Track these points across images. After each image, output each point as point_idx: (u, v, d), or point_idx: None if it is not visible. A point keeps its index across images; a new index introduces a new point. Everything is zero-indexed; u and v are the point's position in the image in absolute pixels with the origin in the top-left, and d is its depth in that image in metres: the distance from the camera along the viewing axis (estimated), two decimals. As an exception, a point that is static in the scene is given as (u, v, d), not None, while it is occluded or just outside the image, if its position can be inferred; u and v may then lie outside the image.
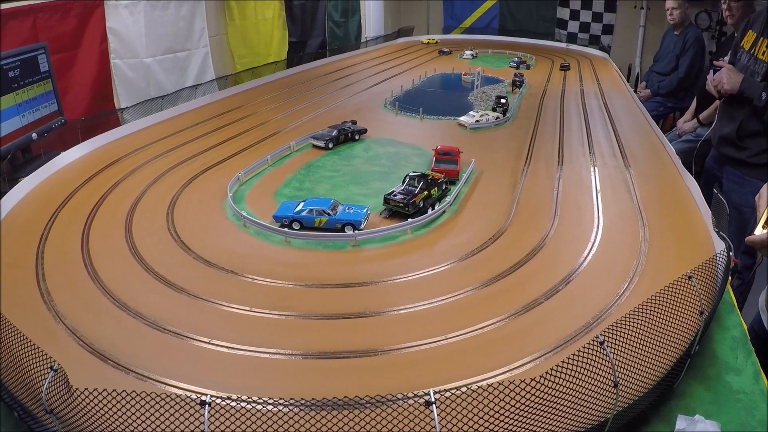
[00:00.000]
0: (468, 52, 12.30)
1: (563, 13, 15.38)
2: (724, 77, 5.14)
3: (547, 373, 1.98)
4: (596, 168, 5.51)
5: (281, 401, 2.15)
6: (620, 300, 3.23)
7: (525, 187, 5.02)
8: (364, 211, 4.24)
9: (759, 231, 3.10)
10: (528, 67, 11.18)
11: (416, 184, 4.47)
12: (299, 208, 4.21)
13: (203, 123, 7.00)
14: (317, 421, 2.07)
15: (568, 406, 2.09)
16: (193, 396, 2.03)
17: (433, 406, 1.88)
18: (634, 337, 2.32)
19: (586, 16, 15.11)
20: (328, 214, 4.13)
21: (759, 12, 5.13)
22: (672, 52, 9.70)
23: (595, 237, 4.03)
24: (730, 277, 3.17)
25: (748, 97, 4.82)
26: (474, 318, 3.07)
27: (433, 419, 1.89)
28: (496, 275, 3.53)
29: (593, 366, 2.11)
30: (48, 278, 3.48)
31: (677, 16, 9.50)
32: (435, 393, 1.94)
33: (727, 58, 6.38)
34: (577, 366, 2.06)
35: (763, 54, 4.79)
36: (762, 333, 3.44)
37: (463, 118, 7.08)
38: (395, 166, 5.57)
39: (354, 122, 6.62)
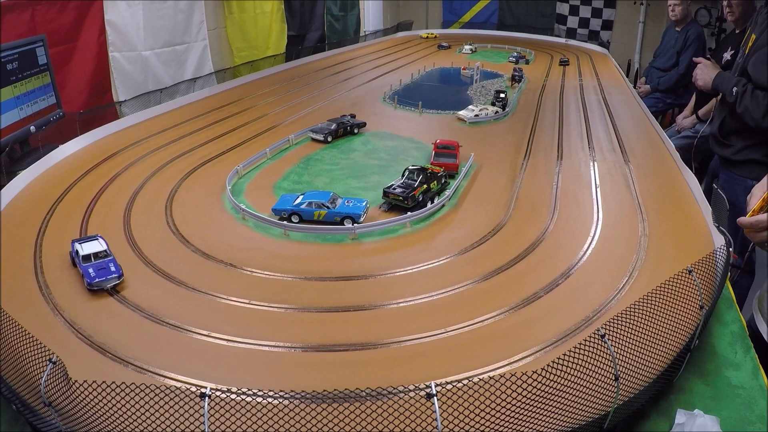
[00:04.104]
0: (467, 47, 12.26)
1: (563, 8, 15.34)
2: (698, 73, 5.15)
3: (548, 365, 1.98)
4: (595, 163, 5.50)
5: (281, 393, 2.14)
6: (620, 294, 3.23)
7: (524, 182, 5.01)
8: (364, 204, 4.23)
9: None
10: (527, 62, 11.15)
11: (415, 178, 4.45)
12: (298, 201, 4.20)
13: (201, 116, 6.96)
14: (317, 414, 2.07)
15: (569, 399, 2.09)
16: (193, 389, 2.02)
17: (434, 398, 1.87)
18: (635, 330, 2.32)
19: (585, 11, 15.07)
20: (327, 207, 4.12)
21: (758, 11, 5.12)
22: (673, 48, 9.66)
23: (595, 231, 4.03)
24: (729, 273, 3.17)
25: (722, 93, 4.81)
26: (474, 311, 3.07)
27: (434, 412, 1.89)
28: (495, 269, 3.53)
29: (594, 359, 2.11)
30: (46, 271, 3.46)
31: (679, 12, 9.45)
32: (436, 386, 1.93)
33: (726, 55, 6.37)
34: (578, 359, 2.05)
35: (749, 49, 4.78)
36: (758, 332, 3.46)
37: (462, 113, 7.06)
38: (394, 160, 5.56)
39: (353, 116, 6.60)
